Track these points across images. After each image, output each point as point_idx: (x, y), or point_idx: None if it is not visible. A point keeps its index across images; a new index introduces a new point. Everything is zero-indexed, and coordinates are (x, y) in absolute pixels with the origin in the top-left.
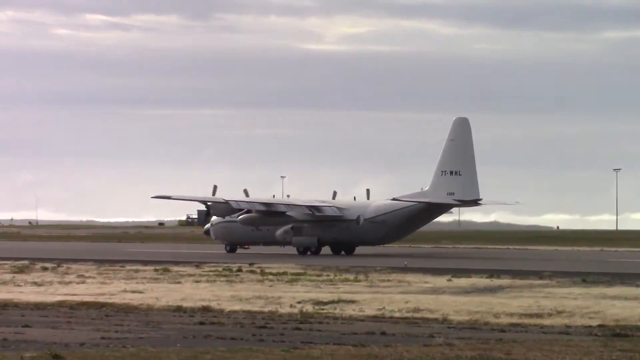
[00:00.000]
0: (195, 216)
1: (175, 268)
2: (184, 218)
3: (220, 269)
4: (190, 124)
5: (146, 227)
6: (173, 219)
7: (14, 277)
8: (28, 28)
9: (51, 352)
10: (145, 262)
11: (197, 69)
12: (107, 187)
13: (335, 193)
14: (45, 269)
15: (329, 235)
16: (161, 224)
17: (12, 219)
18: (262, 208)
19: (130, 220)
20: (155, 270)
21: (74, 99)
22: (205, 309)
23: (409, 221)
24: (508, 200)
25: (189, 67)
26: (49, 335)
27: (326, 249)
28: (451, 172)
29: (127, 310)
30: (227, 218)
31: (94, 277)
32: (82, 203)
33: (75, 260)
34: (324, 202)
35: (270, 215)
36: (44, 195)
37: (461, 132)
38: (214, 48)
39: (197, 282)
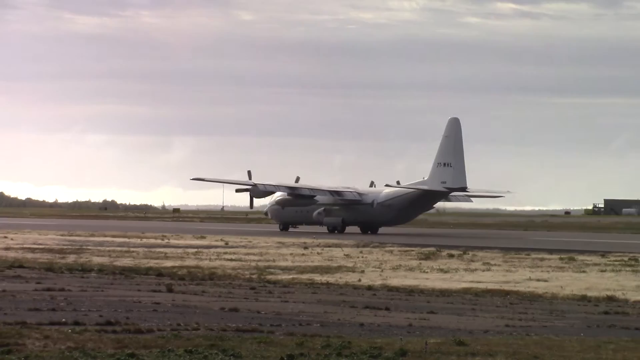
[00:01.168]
0: (602, 205)
1: (580, 257)
2: (590, 207)
3: (625, 258)
4: (601, 113)
5: (552, 215)
6: (579, 207)
7: (420, 263)
8: (440, 16)
9: (455, 338)
10: (550, 251)
11: (608, 58)
12: (516, 175)
13: (372, 182)
14: (451, 256)
15: (352, 217)
16: (567, 212)
17: None
18: (285, 191)
19: (537, 208)
20: (561, 259)
21: (484, 87)
22: (610, 299)
23: (411, 205)
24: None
25: (600, 55)
26: (453, 322)
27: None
28: (444, 164)
29: (531, 298)
30: (278, 201)
31: (499, 265)
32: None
33: (481, 248)
34: (347, 187)
35: (298, 198)
36: None
37: (453, 130)
38: (624, 37)
39: (602, 271)
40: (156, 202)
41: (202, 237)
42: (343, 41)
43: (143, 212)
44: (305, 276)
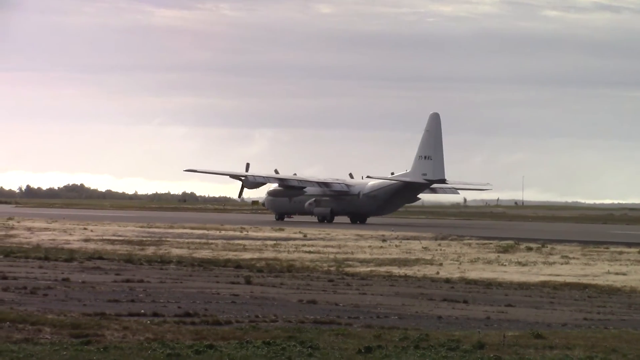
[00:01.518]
0: None
1: None
2: None
3: None
4: None
5: (631, 208)
6: None
7: (498, 256)
8: (519, 10)
9: (533, 331)
10: (629, 244)
11: None
12: (595, 168)
13: (351, 175)
14: (529, 249)
15: (340, 207)
16: None
17: (498, 199)
18: (274, 183)
19: (615, 202)
20: None
21: (563, 80)
22: None
23: (394, 196)
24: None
25: None
26: (531, 315)
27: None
28: (425, 157)
29: (609, 291)
30: (269, 192)
31: (577, 258)
32: (570, 184)
33: (559, 241)
34: (336, 179)
35: (288, 189)
36: (532, 175)
37: (434, 125)
38: None
39: None
40: (235, 195)
41: (281, 230)
42: (422, 34)
43: (222, 205)
44: (383, 269)
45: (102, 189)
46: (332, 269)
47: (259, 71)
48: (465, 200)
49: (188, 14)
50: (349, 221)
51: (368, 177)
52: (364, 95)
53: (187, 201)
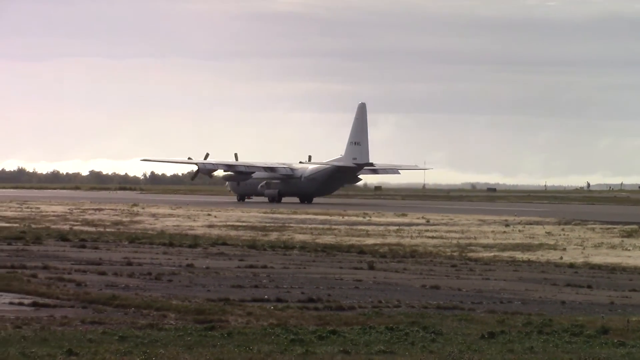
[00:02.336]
0: None
1: None
2: None
3: None
4: None
5: None
6: None
7: (622, 241)
8: None
9: None
10: None
11: None
12: None
13: (310, 157)
14: None
15: (286, 189)
16: None
17: (622, 184)
18: (223, 168)
19: None
20: None
21: None
22: None
23: (329, 179)
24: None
25: None
26: None
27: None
28: (355, 143)
29: None
30: (223, 176)
31: None
32: None
33: None
34: (282, 163)
35: (239, 173)
36: None
37: (361, 114)
38: None
39: None
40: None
41: (404, 215)
42: (543, 18)
43: (345, 190)
44: (506, 254)
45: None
46: (455, 254)
47: (382, 56)
48: (588, 184)
49: (308, 0)
50: (298, 201)
51: (300, 162)
52: (487, 80)
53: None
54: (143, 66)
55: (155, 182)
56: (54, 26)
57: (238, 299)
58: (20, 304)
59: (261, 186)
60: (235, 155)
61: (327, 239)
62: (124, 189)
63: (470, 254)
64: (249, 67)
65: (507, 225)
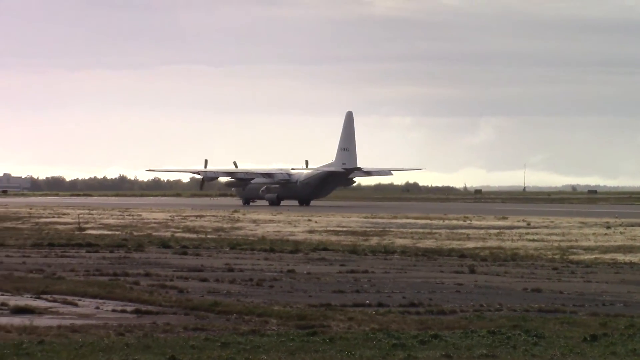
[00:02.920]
0: None
1: None
2: None
3: None
4: None
5: None
6: None
7: None
8: None
9: None
10: None
11: None
12: None
13: (307, 162)
14: None
15: (284, 193)
16: None
17: None
18: (224, 176)
19: None
20: None
21: None
22: None
23: (321, 183)
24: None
25: None
26: None
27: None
28: (344, 149)
29: None
30: (225, 182)
31: None
32: None
33: None
34: (280, 169)
35: (240, 180)
36: None
37: (349, 121)
38: None
39: None
40: (458, 184)
41: (504, 218)
42: None
43: (445, 194)
44: (608, 256)
45: None
46: (556, 257)
47: (480, 59)
48: None
49: (407, 4)
50: (297, 204)
51: (292, 168)
52: (588, 82)
53: (410, 191)
54: (243, 73)
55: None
56: (155, 35)
57: (339, 304)
58: (123, 311)
59: (262, 191)
60: (235, 163)
61: (428, 243)
62: (225, 195)
63: (572, 257)
64: (349, 71)
65: (608, 227)
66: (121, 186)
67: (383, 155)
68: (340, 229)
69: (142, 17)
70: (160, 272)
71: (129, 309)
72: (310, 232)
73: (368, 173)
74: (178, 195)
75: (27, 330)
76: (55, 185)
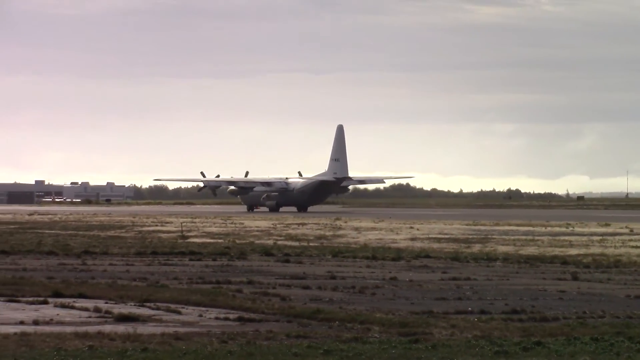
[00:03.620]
0: None
1: None
2: None
3: None
4: None
5: None
6: None
7: None
8: None
9: None
10: None
11: None
12: None
13: (300, 173)
14: None
15: (282, 200)
16: None
17: None
18: (226, 185)
19: None
20: None
21: None
22: None
23: (315, 191)
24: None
25: None
26: None
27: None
28: (336, 159)
29: None
30: (229, 190)
31: None
32: None
33: None
34: (278, 178)
35: (241, 188)
36: None
37: (339, 134)
38: None
39: None
40: (560, 191)
41: (607, 225)
42: None
43: (547, 201)
44: None
45: (427, 187)
46: None
47: (583, 65)
48: None
49: (509, 10)
50: (296, 210)
51: (287, 178)
52: None
53: (512, 198)
54: (341, 80)
55: (357, 196)
56: (254, 43)
57: (442, 311)
58: (226, 318)
59: (263, 198)
60: (247, 173)
61: (530, 250)
62: (326, 203)
63: None
64: (451, 79)
65: None
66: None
67: (482, 162)
68: (442, 236)
69: (244, 26)
70: (263, 279)
71: (231, 316)
72: (413, 239)
73: (361, 182)
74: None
75: (130, 338)
76: (158, 194)
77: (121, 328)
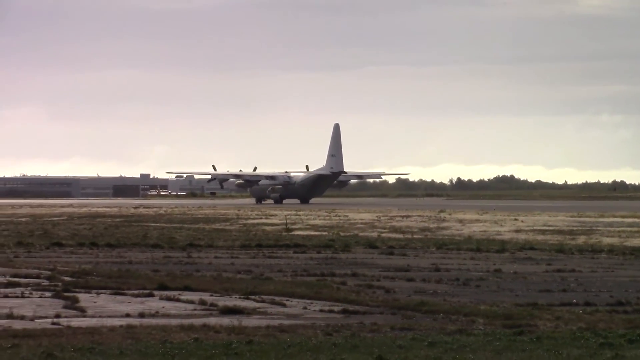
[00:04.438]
0: None
1: None
2: None
3: None
4: None
5: None
6: None
7: None
8: None
9: None
10: None
11: None
12: None
13: (307, 167)
14: None
15: (285, 193)
16: None
17: None
18: (233, 178)
19: None
20: None
21: None
22: None
23: (314, 184)
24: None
25: None
26: None
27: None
28: (332, 155)
29: None
30: (236, 184)
31: None
32: None
33: None
34: (282, 172)
35: (248, 182)
36: None
37: (336, 131)
38: None
39: None
40: None
41: None
42: None
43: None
44: None
45: (532, 179)
46: None
47: None
48: None
49: (611, 2)
50: (299, 202)
51: (286, 172)
52: None
53: (617, 190)
54: (442, 73)
55: (461, 188)
56: (352, 36)
57: (546, 303)
58: (331, 311)
59: (268, 191)
60: (255, 168)
61: (636, 242)
62: (431, 195)
63: None
64: (553, 70)
65: None
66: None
67: (587, 154)
68: (547, 228)
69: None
70: (367, 272)
71: (336, 309)
72: (517, 231)
73: (359, 176)
74: (384, 196)
75: (235, 331)
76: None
77: (226, 320)
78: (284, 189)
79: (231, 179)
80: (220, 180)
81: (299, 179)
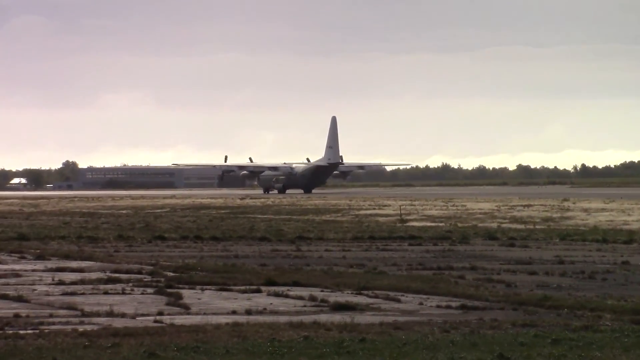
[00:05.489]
0: None
1: None
2: None
3: None
4: None
5: None
6: None
7: None
8: None
9: None
10: None
11: None
12: None
13: (308, 159)
14: None
15: (288, 183)
16: None
17: None
18: (238, 170)
19: None
20: None
21: None
22: None
23: (313, 175)
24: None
25: None
26: None
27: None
28: (330, 147)
29: None
30: (241, 175)
31: None
32: None
33: None
34: (284, 164)
35: (252, 172)
36: None
37: (332, 125)
38: None
39: None
40: None
41: None
42: None
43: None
44: None
45: None
46: None
47: None
48: None
49: None
50: (302, 191)
51: (284, 163)
52: None
53: None
54: (569, 53)
55: (586, 175)
56: (475, 18)
57: None
58: (448, 306)
59: (273, 181)
60: (250, 159)
61: None
62: (553, 183)
63: None
64: None
65: None
66: (444, 175)
67: None
68: None
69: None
70: (487, 265)
71: (454, 304)
72: None
73: (361, 167)
74: (504, 184)
75: (347, 328)
76: (376, 176)
77: (337, 317)
78: (287, 179)
79: (236, 171)
80: (224, 171)
81: (300, 170)
